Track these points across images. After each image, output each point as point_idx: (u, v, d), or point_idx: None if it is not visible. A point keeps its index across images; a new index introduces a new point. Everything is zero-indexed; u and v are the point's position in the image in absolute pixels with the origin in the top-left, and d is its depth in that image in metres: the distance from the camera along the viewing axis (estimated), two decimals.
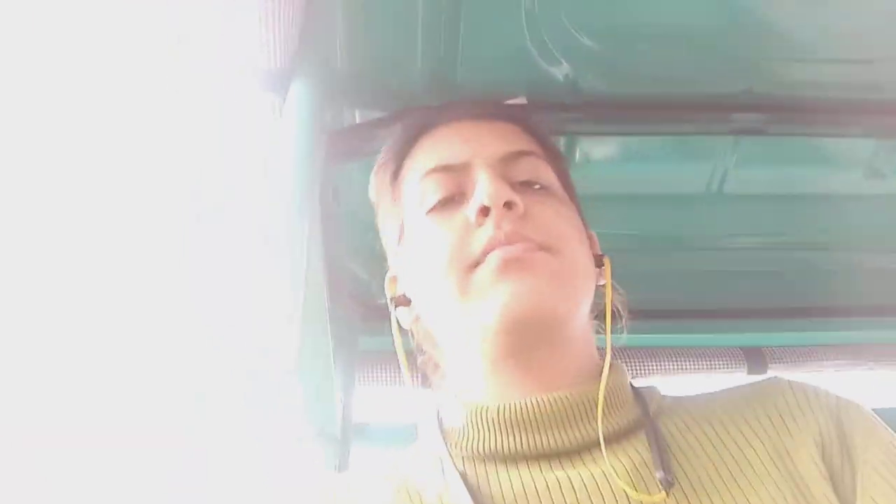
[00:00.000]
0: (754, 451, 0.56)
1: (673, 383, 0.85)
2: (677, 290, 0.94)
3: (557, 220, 0.62)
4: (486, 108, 0.70)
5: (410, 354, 0.68)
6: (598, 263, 0.66)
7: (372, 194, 0.73)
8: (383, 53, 0.81)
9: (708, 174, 0.95)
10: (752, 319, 1.15)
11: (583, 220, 0.68)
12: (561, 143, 0.88)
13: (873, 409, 0.61)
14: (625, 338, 0.66)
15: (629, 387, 0.63)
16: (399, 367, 1.08)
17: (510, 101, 0.84)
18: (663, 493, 0.52)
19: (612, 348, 0.63)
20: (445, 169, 0.64)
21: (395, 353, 1.11)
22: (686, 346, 1.17)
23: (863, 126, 0.88)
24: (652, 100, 0.83)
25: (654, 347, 1.16)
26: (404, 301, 0.67)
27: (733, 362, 1.17)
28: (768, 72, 0.83)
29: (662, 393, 0.65)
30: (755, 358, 1.18)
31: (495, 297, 0.57)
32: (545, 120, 0.83)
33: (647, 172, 0.94)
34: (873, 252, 1.09)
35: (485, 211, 0.59)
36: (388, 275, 0.71)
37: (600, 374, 0.60)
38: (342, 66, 0.78)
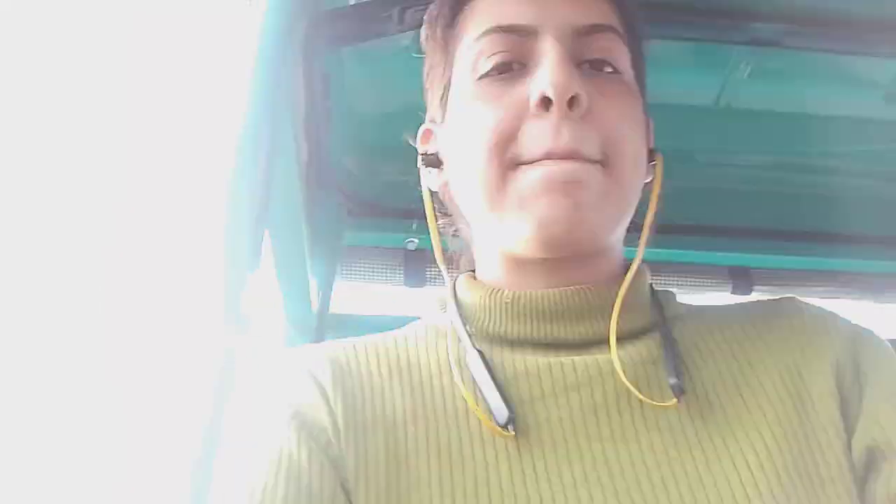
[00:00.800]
0: (765, 366, 0.56)
1: None
2: (669, 204, 0.91)
3: (622, 124, 0.56)
4: None
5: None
6: (650, 158, 0.61)
7: (422, 38, 0.65)
8: None
9: (719, 86, 0.91)
10: (741, 239, 1.13)
11: (645, 106, 0.62)
12: None
13: None
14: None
15: (648, 289, 0.61)
16: (381, 262, 1.09)
17: None
18: (674, 399, 0.52)
19: None
20: (507, 30, 0.56)
21: (378, 248, 1.10)
22: (671, 261, 1.15)
23: (888, 46, 0.82)
24: (667, 2, 0.77)
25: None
26: (435, 162, 0.62)
27: (717, 281, 1.16)
28: None
29: (678, 300, 0.63)
30: (741, 278, 1.17)
31: (536, 210, 0.53)
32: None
33: (655, 78, 0.89)
34: (879, 180, 1.05)
35: (545, 103, 0.53)
36: (423, 127, 0.65)
37: (623, 274, 0.58)
38: None
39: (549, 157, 0.53)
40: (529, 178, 0.53)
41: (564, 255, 0.56)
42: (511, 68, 0.56)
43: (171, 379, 0.41)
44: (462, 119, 0.58)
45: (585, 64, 0.56)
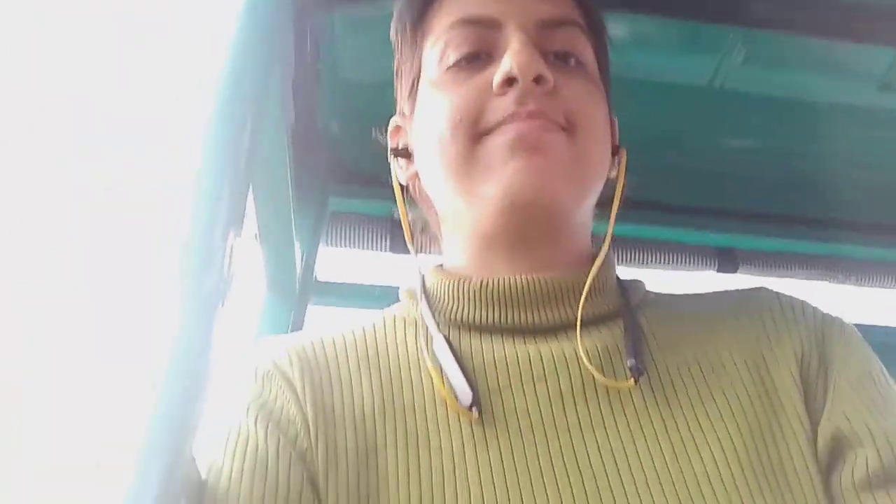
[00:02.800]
0: (730, 354, 0.56)
1: (641, 275, 0.85)
2: (659, 183, 0.91)
3: (586, 101, 0.57)
4: None
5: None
6: (614, 153, 0.62)
7: (391, 34, 0.67)
8: None
9: (713, 67, 0.90)
10: (728, 220, 1.14)
11: (609, 104, 0.63)
12: None
13: None
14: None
15: (615, 277, 0.62)
16: (366, 229, 1.09)
17: None
18: (631, 380, 0.52)
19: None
20: (474, 23, 0.58)
21: (364, 215, 1.10)
22: (659, 238, 1.15)
23: (882, 33, 0.82)
24: None
25: (626, 237, 1.15)
26: (405, 154, 0.64)
27: (704, 260, 1.17)
28: None
29: (647, 288, 0.64)
30: (727, 258, 1.18)
31: (502, 174, 0.53)
32: None
33: (648, 58, 0.89)
34: (868, 168, 1.06)
35: (510, 81, 0.54)
36: (393, 121, 0.67)
37: (591, 261, 0.59)
38: None
39: (513, 118, 0.54)
40: (495, 143, 0.54)
41: (530, 225, 0.56)
42: (479, 58, 0.57)
43: (148, 340, 0.40)
44: (429, 105, 0.58)
45: (550, 55, 0.57)
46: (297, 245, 0.89)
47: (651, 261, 1.17)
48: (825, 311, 0.60)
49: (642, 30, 0.86)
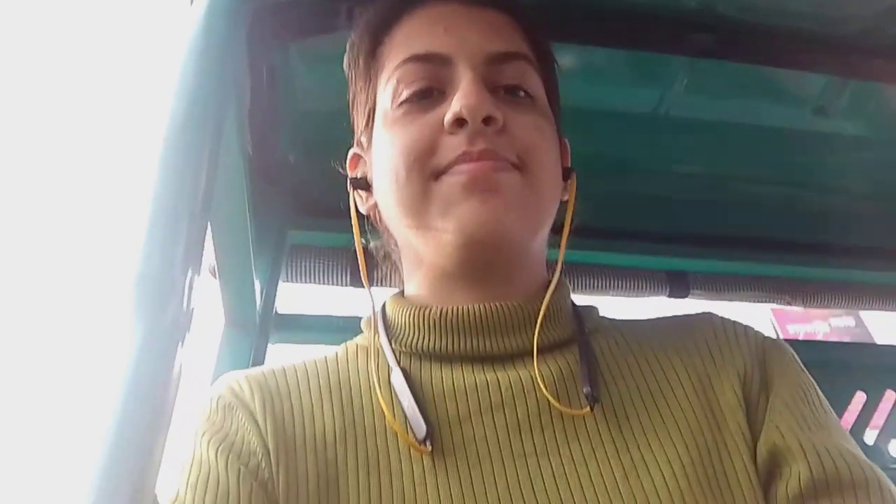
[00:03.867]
0: (678, 377, 0.58)
1: (594, 301, 0.87)
2: (609, 210, 0.94)
3: (536, 136, 0.59)
4: None
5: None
6: (566, 176, 0.64)
7: (345, 65, 0.68)
8: None
9: (658, 96, 0.93)
10: (679, 245, 1.17)
11: (559, 129, 0.64)
12: None
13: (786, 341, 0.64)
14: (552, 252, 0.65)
15: (570, 303, 0.63)
16: (326, 263, 1.08)
17: None
18: (587, 407, 0.54)
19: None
20: (424, 59, 0.59)
21: (323, 248, 1.10)
22: (611, 264, 1.18)
23: (818, 61, 0.86)
24: (606, 11, 0.79)
25: (579, 264, 1.17)
26: (364, 185, 0.64)
27: (656, 285, 1.19)
28: None
29: (601, 314, 0.65)
30: (678, 282, 1.20)
31: (457, 214, 0.55)
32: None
33: (595, 88, 0.92)
34: (806, 189, 1.10)
35: (460, 122, 0.55)
36: (351, 152, 0.68)
37: (545, 288, 0.60)
38: None
39: (465, 158, 0.55)
40: (449, 183, 0.55)
41: (487, 260, 0.57)
42: (430, 94, 0.58)
43: (108, 376, 0.40)
44: (385, 142, 0.59)
45: (500, 90, 0.59)
46: (255, 278, 0.89)
47: (604, 287, 1.19)
48: (766, 335, 0.64)
49: (589, 60, 0.89)
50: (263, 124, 0.84)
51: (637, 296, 1.19)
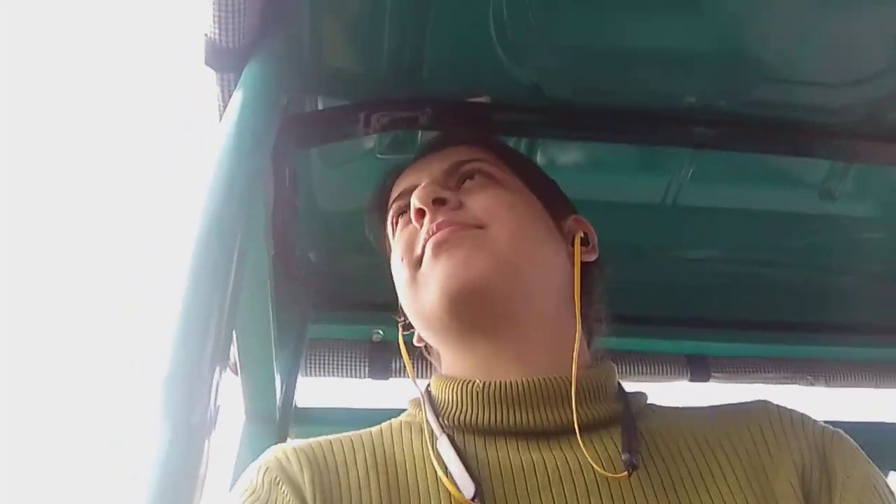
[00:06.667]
0: (730, 462, 0.58)
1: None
2: (626, 297, 0.95)
3: (494, 201, 0.66)
4: (446, 139, 0.75)
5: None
6: (585, 242, 0.70)
7: (369, 232, 0.80)
8: (350, 42, 0.79)
9: (664, 186, 0.96)
10: (697, 329, 1.16)
11: (556, 207, 0.70)
12: (522, 146, 0.88)
13: None
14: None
15: (615, 384, 0.64)
16: (345, 356, 1.09)
17: (473, 99, 0.84)
18: (625, 473, 0.54)
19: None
20: (400, 196, 0.71)
21: (342, 341, 1.11)
22: (632, 350, 1.18)
23: (819, 148, 0.89)
24: (613, 108, 0.83)
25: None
26: (409, 326, 0.72)
27: (677, 369, 1.18)
28: (730, 88, 0.83)
29: (649, 401, 0.66)
30: (699, 366, 1.19)
31: (432, 279, 0.61)
32: (507, 121, 0.83)
33: (605, 180, 0.95)
34: (818, 270, 1.11)
35: (420, 213, 0.65)
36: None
37: (587, 366, 0.63)
38: (306, 51, 0.77)
39: (429, 235, 0.63)
40: (424, 262, 0.63)
41: (479, 312, 0.61)
42: (406, 212, 0.69)
43: (133, 477, 0.41)
44: (392, 263, 0.70)
45: (457, 183, 0.69)
46: (276, 373, 0.90)
47: (625, 373, 1.18)
48: (824, 425, 0.63)
49: (596, 154, 0.92)
50: (285, 224, 0.87)
51: (658, 381, 1.18)
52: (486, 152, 0.72)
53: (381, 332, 1.08)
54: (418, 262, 0.64)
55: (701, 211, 0.99)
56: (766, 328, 1.18)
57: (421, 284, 0.63)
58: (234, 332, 0.80)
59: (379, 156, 0.90)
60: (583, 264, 0.67)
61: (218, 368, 0.47)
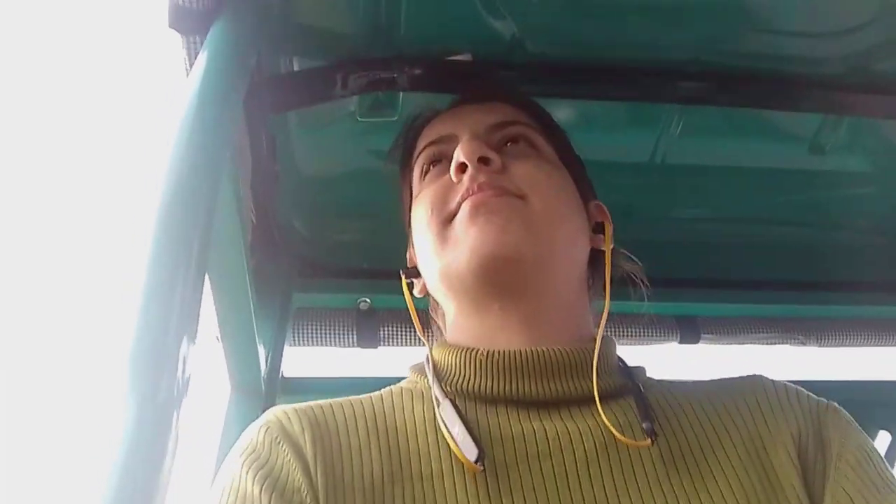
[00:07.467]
0: (729, 435, 0.59)
1: None
2: (614, 258, 0.94)
3: (536, 173, 0.64)
4: (485, 92, 0.74)
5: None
6: (599, 230, 0.69)
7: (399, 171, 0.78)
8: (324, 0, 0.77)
9: (653, 144, 0.94)
10: (687, 289, 1.15)
11: (583, 188, 0.70)
12: None
13: (799, 382, 0.65)
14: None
15: (616, 357, 0.65)
16: (332, 325, 1.08)
17: (455, 58, 0.81)
18: (649, 439, 0.55)
19: None
20: (437, 141, 0.69)
21: (329, 309, 1.10)
22: (621, 312, 1.16)
23: (808, 101, 0.87)
24: (598, 64, 0.81)
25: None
26: (415, 273, 0.71)
27: (666, 331, 1.18)
28: (716, 41, 0.81)
29: (648, 375, 0.67)
30: (688, 327, 1.18)
31: (465, 241, 0.60)
32: (490, 78, 0.81)
33: (592, 139, 0.92)
34: (809, 227, 1.10)
35: (462, 167, 0.63)
36: (410, 247, 0.73)
37: (592, 340, 0.62)
38: (276, 9, 0.74)
39: (468, 194, 0.61)
40: (459, 220, 0.62)
41: (506, 280, 0.60)
42: (440, 162, 0.69)
43: (101, 450, 0.40)
44: (415, 210, 0.67)
45: (501, 145, 0.67)
46: (259, 343, 0.89)
47: (614, 335, 1.17)
48: (818, 398, 0.64)
49: (581, 112, 0.90)
50: (265, 190, 0.85)
51: (648, 343, 1.18)
52: (530, 117, 0.71)
53: (367, 300, 1.07)
54: (449, 218, 0.63)
55: (690, 169, 0.98)
56: (756, 287, 1.18)
57: (451, 241, 0.62)
58: (213, 302, 0.79)
59: (360, 118, 0.87)
60: (601, 252, 0.68)
61: (186, 338, 0.46)
